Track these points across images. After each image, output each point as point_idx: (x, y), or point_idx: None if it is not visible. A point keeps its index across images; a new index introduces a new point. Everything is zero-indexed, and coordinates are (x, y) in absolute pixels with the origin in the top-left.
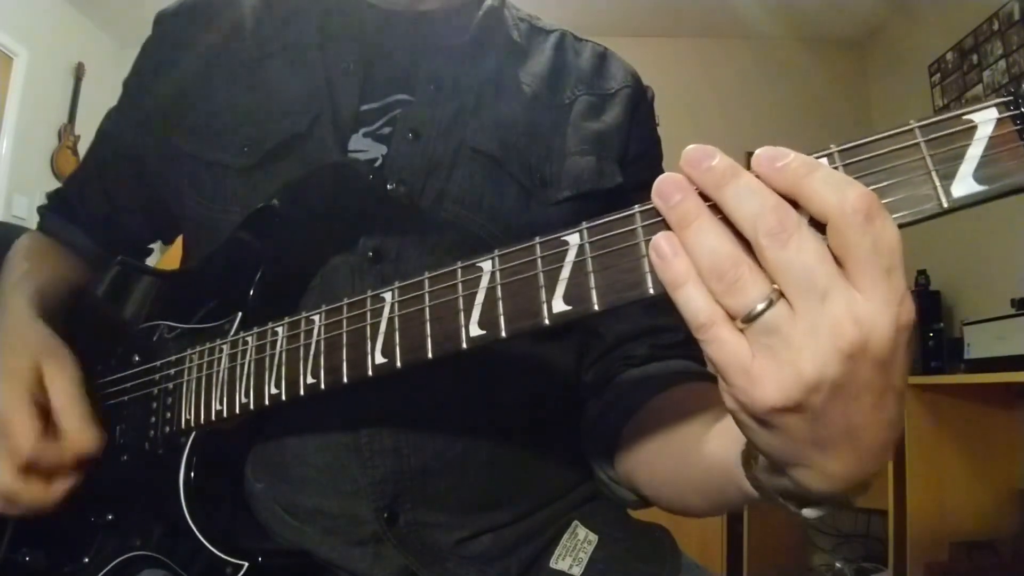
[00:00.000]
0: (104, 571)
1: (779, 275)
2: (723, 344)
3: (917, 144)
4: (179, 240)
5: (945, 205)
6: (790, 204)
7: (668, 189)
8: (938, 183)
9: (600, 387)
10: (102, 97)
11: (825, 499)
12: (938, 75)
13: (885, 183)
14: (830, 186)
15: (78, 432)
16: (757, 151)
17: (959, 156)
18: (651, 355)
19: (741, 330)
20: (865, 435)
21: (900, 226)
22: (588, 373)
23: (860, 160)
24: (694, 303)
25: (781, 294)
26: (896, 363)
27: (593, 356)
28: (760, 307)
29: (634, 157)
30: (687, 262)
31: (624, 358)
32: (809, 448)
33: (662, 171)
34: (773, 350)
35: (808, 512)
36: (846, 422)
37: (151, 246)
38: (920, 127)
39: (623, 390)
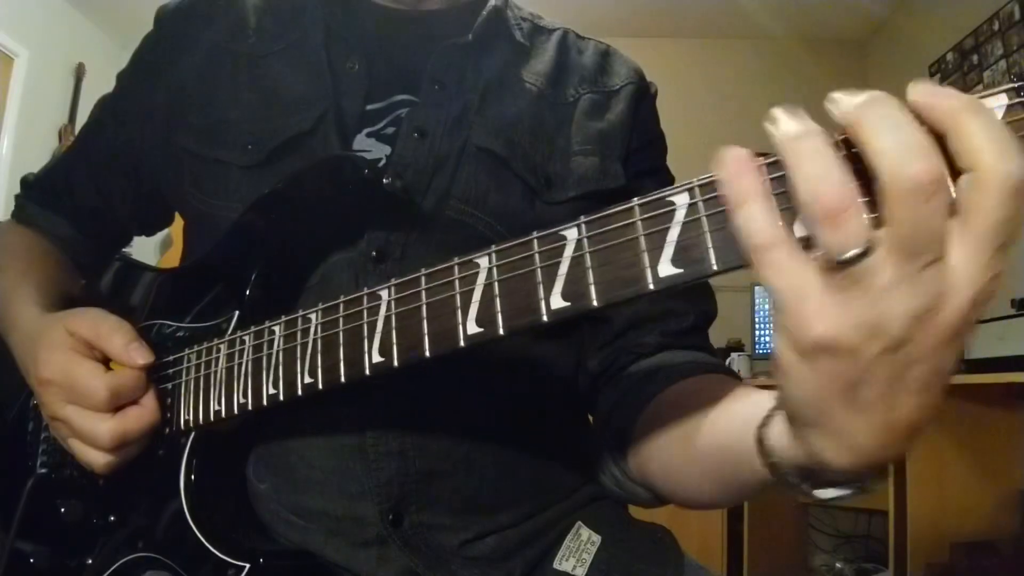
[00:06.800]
0: (107, 572)
1: (898, 227)
2: (782, 269)
3: None
4: (179, 240)
5: None
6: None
7: (779, 115)
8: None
9: (609, 377)
10: None
11: (841, 477)
12: (938, 75)
13: None
14: (992, 140)
15: (125, 348)
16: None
17: None
18: (661, 344)
19: (826, 266)
20: (902, 409)
21: None
22: (595, 359)
23: None
24: (755, 223)
25: (878, 242)
26: (956, 342)
27: (600, 342)
28: (854, 252)
29: (636, 148)
30: (756, 180)
31: (633, 347)
32: (840, 404)
33: (664, 164)
34: (846, 291)
35: (821, 493)
36: (888, 387)
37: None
38: None
39: (633, 384)
